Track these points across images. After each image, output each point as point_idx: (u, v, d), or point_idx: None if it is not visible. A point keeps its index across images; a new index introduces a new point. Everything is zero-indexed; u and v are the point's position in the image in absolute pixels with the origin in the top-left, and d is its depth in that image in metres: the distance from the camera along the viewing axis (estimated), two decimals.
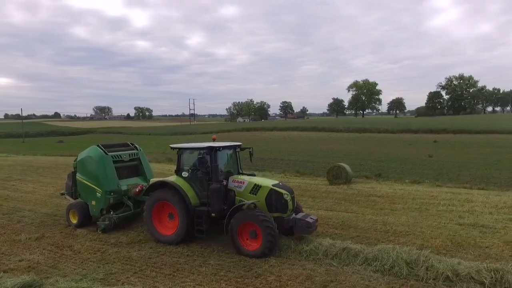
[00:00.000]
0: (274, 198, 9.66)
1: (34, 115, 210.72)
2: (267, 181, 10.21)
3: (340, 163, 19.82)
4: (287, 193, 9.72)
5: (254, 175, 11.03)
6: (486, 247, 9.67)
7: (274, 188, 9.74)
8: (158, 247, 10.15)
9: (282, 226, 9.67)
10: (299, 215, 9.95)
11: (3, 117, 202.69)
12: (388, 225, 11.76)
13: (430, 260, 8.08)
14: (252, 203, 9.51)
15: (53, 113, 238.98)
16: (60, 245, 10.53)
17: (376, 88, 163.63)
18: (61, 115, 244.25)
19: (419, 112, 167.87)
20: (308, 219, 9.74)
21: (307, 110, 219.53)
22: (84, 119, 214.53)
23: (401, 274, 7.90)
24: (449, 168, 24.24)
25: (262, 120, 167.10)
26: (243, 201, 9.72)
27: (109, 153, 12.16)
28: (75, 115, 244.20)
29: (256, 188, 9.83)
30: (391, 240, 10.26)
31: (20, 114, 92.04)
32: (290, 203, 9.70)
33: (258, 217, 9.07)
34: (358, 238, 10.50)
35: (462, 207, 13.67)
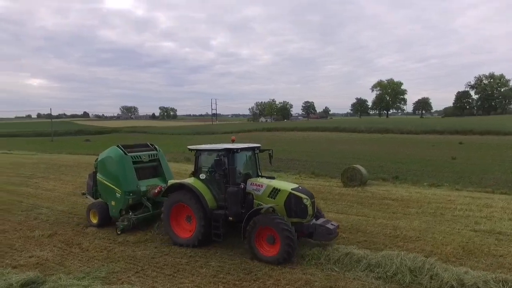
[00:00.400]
0: (293, 203, 9.31)
1: (64, 114, 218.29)
2: (286, 185, 9.88)
3: (355, 165, 19.44)
4: (307, 197, 9.35)
5: (273, 178, 10.72)
6: (500, 256, 9.21)
7: (294, 192, 9.39)
8: (162, 246, 10.27)
9: (301, 232, 9.35)
10: (320, 221, 9.56)
11: (35, 116, 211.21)
12: (398, 230, 11.42)
13: (436, 268, 7.77)
14: (271, 207, 9.22)
15: (82, 113, 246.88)
16: (70, 242, 10.82)
17: (401, 87, 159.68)
18: (90, 114, 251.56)
19: (446, 112, 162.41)
20: (329, 226, 9.33)
21: (330, 110, 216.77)
22: (111, 118, 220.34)
23: (403, 282, 7.64)
24: (472, 171, 23.29)
25: (285, 120, 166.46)
26: (261, 205, 9.48)
27: (129, 154, 12.20)
28: (102, 115, 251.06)
29: (275, 191, 9.53)
30: (399, 246, 9.95)
31: (50, 114, 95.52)
32: (310, 208, 9.32)
33: (276, 222, 8.77)
34: (365, 243, 10.24)
35: (480, 213, 13.10)
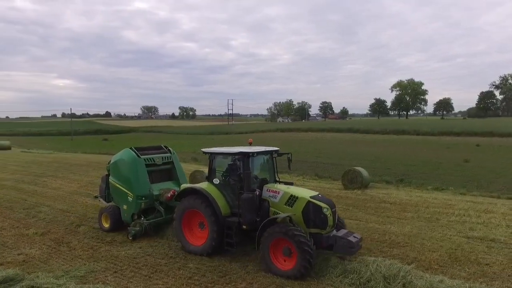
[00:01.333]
0: (312, 212, 8.63)
1: (87, 114, 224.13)
2: (305, 192, 9.16)
3: (356, 167, 19.16)
4: (327, 206, 8.61)
5: (292, 184, 10.07)
6: (486, 264, 8.89)
7: (312, 200, 8.70)
8: (147, 247, 10.39)
9: (320, 244, 8.62)
10: (341, 233, 8.81)
11: (60, 116, 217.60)
12: (387, 235, 11.19)
13: (410, 276, 7.58)
14: (288, 216, 8.53)
15: (104, 112, 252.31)
16: (60, 241, 11.10)
17: (422, 87, 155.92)
18: (112, 114, 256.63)
19: (470, 113, 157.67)
20: (351, 238, 8.56)
21: (348, 111, 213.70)
22: (132, 118, 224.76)
23: None
24: (483, 175, 22.56)
25: (303, 121, 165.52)
26: (277, 213, 8.89)
27: (142, 156, 11.83)
28: (124, 114, 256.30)
29: (292, 199, 8.89)
30: (383, 252, 9.76)
31: (70, 113, 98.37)
32: (330, 218, 8.58)
33: (292, 233, 8.12)
34: None
35: (477, 218, 12.66)
